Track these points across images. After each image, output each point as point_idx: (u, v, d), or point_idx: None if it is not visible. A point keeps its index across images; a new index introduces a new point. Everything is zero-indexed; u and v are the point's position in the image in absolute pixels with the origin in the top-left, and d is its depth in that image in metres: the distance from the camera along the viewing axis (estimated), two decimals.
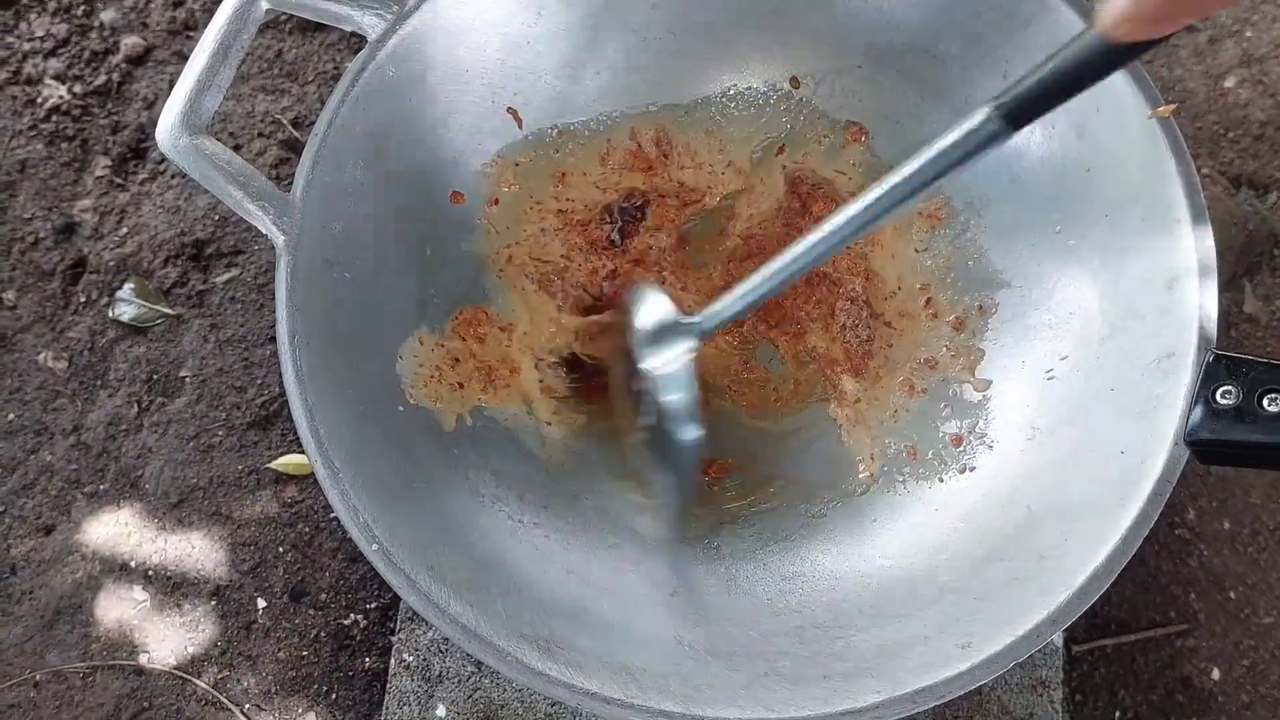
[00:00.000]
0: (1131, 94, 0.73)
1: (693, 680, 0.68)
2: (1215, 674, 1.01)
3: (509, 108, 0.88)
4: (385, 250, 0.81)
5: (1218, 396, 0.66)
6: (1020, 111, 0.60)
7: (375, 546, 0.67)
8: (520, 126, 0.90)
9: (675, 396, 0.74)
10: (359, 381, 0.76)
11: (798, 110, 0.94)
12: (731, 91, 0.94)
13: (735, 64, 0.93)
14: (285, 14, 0.82)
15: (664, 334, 0.74)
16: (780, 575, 0.82)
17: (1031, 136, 0.81)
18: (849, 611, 0.76)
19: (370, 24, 0.78)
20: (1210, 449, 0.66)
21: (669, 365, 0.73)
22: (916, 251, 0.90)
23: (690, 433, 0.74)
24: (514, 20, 0.84)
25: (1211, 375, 0.66)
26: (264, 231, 0.74)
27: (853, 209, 0.66)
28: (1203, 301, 0.68)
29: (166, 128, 0.73)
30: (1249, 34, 1.18)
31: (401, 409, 0.79)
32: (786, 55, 0.87)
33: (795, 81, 0.92)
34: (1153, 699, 1.00)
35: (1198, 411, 0.66)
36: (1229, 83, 1.17)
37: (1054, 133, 0.80)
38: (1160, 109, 0.72)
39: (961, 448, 0.84)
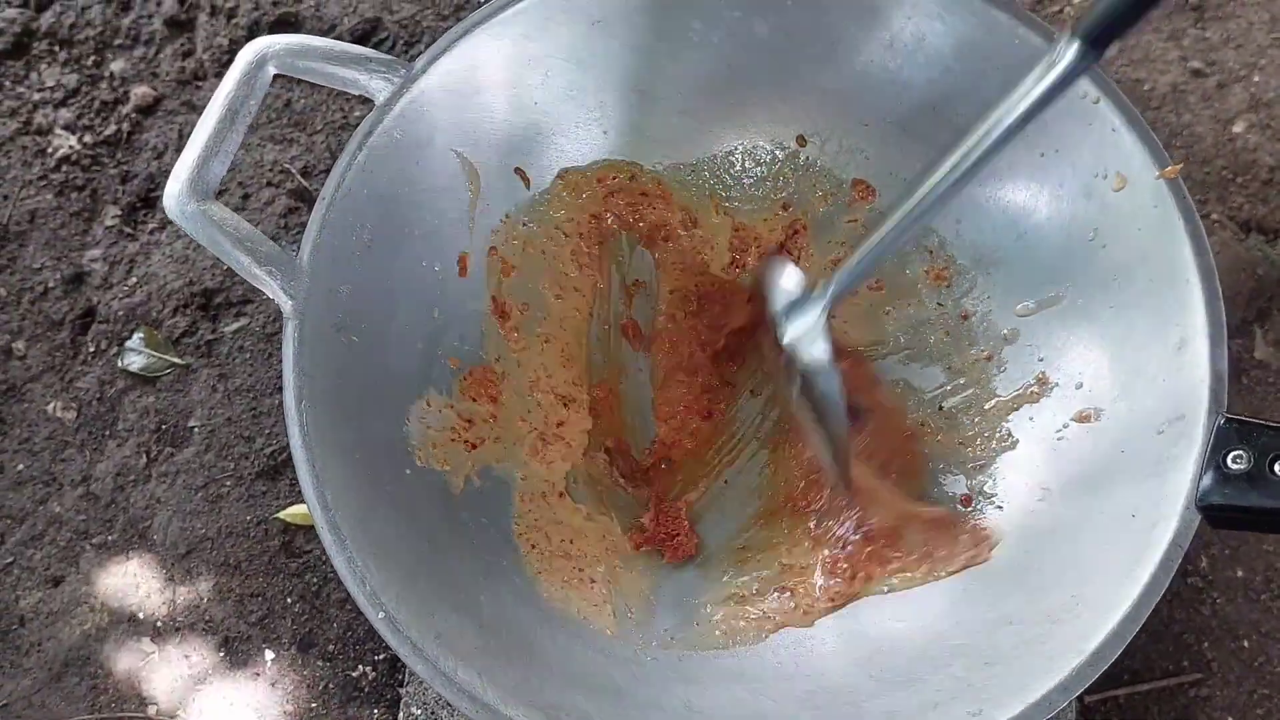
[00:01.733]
0: (1140, 154, 0.73)
1: None
2: None
3: (516, 168, 0.89)
4: (392, 312, 0.81)
5: (1229, 461, 0.65)
6: (1100, 31, 0.62)
7: (381, 615, 0.67)
8: (528, 186, 0.90)
9: (815, 356, 0.78)
10: (366, 445, 0.76)
11: (804, 169, 0.94)
12: (738, 150, 0.94)
13: (741, 123, 0.93)
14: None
15: (796, 308, 0.79)
16: (791, 639, 0.82)
17: (1040, 196, 0.82)
18: (860, 676, 0.76)
19: (377, 88, 0.79)
20: (1222, 514, 0.66)
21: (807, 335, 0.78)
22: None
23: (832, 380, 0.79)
24: (521, 82, 0.85)
25: (1223, 439, 0.66)
26: (271, 297, 0.74)
27: (946, 165, 0.69)
28: (1213, 364, 0.68)
29: (174, 194, 0.74)
30: (1257, 79, 1.18)
31: (409, 472, 0.79)
32: (793, 114, 0.88)
33: (802, 140, 0.93)
34: None
35: (1209, 476, 0.66)
36: (1238, 128, 1.17)
37: (1061, 193, 0.80)
38: (1168, 170, 0.72)
39: (971, 508, 0.84)
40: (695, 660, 0.81)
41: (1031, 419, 0.83)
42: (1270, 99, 1.17)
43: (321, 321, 0.75)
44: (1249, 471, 0.64)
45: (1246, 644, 1.02)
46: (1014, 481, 0.82)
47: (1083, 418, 0.79)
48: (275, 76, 0.77)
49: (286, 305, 0.73)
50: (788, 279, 0.79)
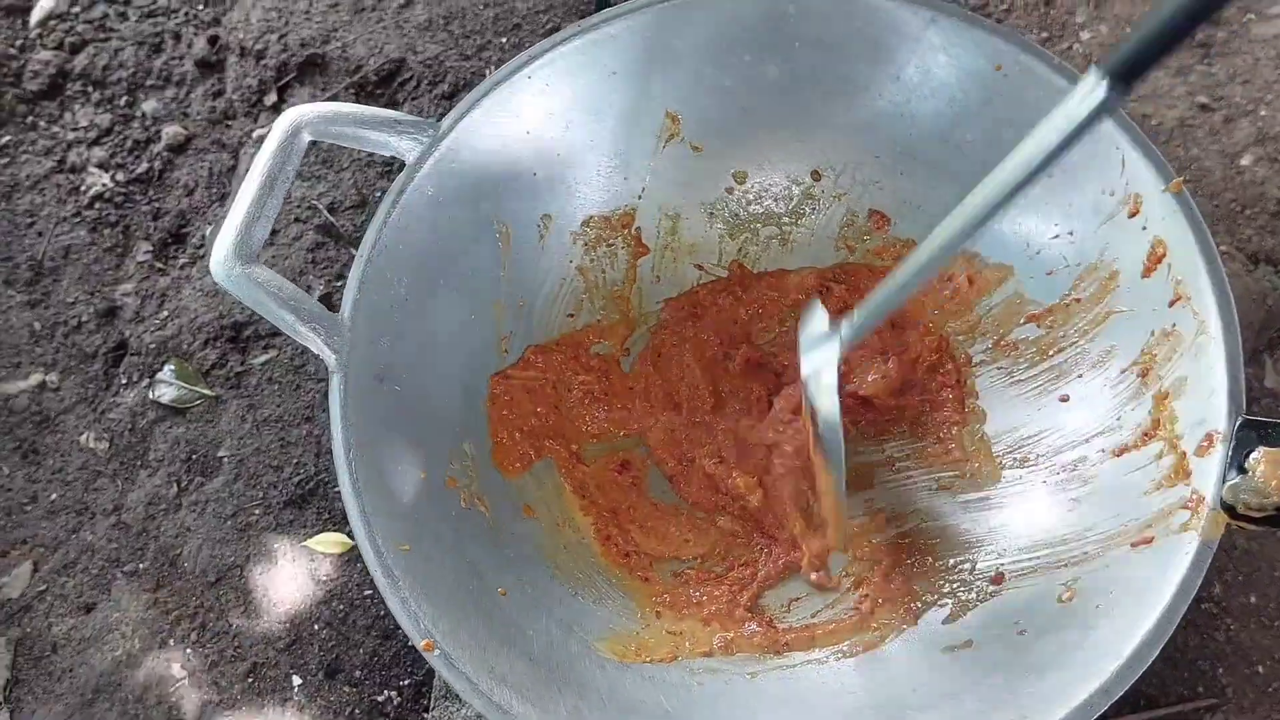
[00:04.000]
0: (1145, 170, 0.76)
1: None
2: None
3: (543, 214, 0.92)
4: (432, 361, 0.85)
5: (1251, 461, 0.67)
6: (1128, 69, 0.62)
7: (437, 652, 0.69)
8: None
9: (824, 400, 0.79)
10: (412, 488, 0.79)
11: (819, 201, 0.97)
12: (755, 189, 0.97)
13: (756, 161, 0.96)
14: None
15: (815, 343, 0.81)
16: (834, 654, 0.84)
17: (1051, 215, 0.84)
18: (903, 691, 0.78)
19: (407, 148, 0.82)
20: (1245, 512, 0.67)
21: (820, 370, 0.79)
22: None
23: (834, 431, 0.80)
24: (544, 135, 0.88)
25: (1243, 441, 0.68)
26: (316, 353, 0.77)
27: (970, 206, 0.68)
28: (1230, 367, 0.70)
29: (220, 259, 0.77)
30: (1264, 112, 1.20)
31: (454, 513, 0.82)
32: (807, 151, 0.91)
33: (816, 174, 0.95)
34: None
35: (1233, 477, 0.67)
36: (1245, 161, 1.19)
37: (1071, 210, 0.83)
38: (1173, 183, 0.74)
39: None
40: (741, 683, 0.82)
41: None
42: (1277, 132, 1.19)
43: (364, 373, 0.78)
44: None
45: (1261, 669, 1.03)
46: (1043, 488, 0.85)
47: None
48: (310, 145, 0.81)
49: (331, 360, 0.76)
50: (815, 320, 0.82)
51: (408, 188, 0.81)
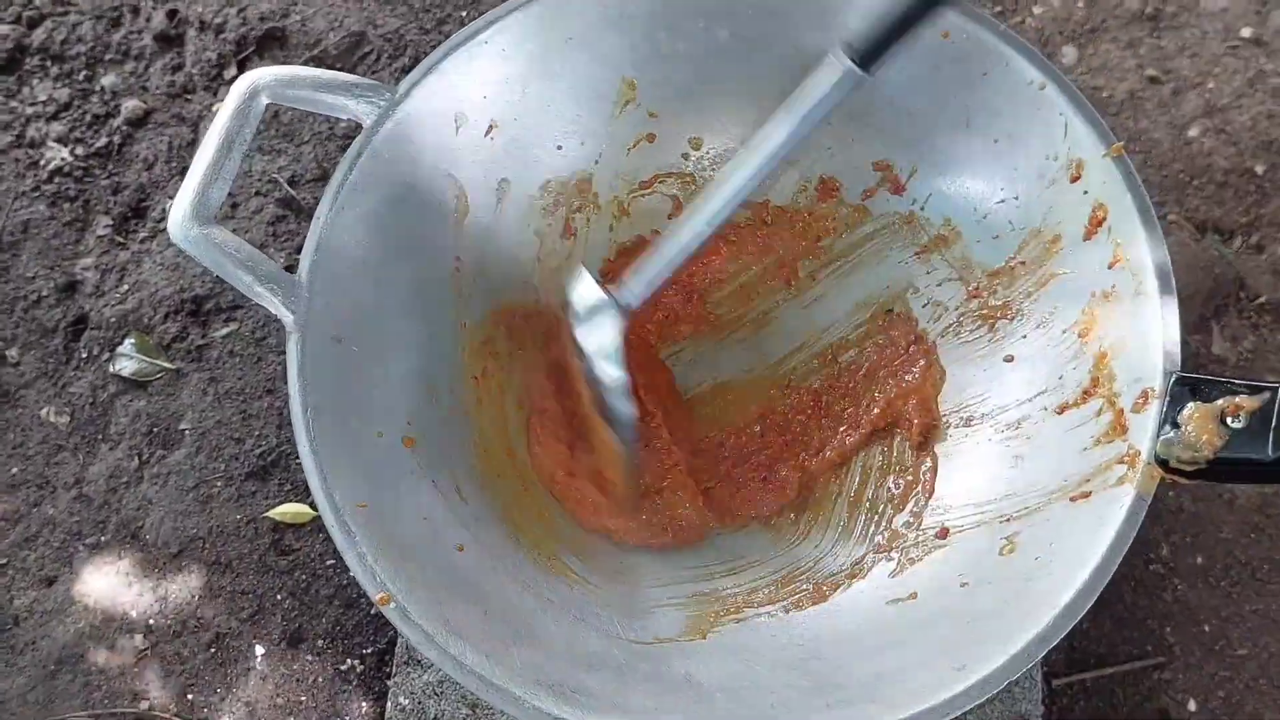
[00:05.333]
0: (1087, 135, 0.78)
1: (701, 717, 0.71)
2: (1191, 705, 1.03)
3: (501, 179, 0.92)
4: (389, 324, 0.85)
5: (1185, 416, 0.69)
6: (870, 53, 0.72)
7: (393, 605, 0.70)
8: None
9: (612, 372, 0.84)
10: (370, 447, 0.80)
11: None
12: (710, 155, 0.98)
13: (711, 127, 0.97)
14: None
15: (593, 313, 0.84)
16: (782, 607, 0.86)
17: (995, 179, 0.86)
18: (848, 643, 0.79)
19: (365, 112, 0.83)
20: (1178, 466, 0.69)
21: (603, 343, 0.84)
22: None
23: (626, 408, 0.85)
24: (501, 100, 0.89)
25: (1177, 398, 0.70)
26: (274, 313, 0.77)
27: (740, 175, 0.78)
28: (1165, 326, 0.72)
29: (178, 220, 0.77)
30: (1211, 85, 1.22)
31: (411, 472, 0.83)
32: (759, 117, 0.92)
33: None
34: None
35: (1168, 432, 0.69)
36: (1193, 132, 1.21)
37: (1016, 175, 0.84)
38: (1114, 147, 0.76)
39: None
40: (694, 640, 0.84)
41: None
42: (1224, 105, 1.21)
43: (322, 334, 0.79)
44: None
45: (1207, 628, 1.06)
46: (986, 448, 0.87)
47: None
48: (267, 107, 0.81)
49: (288, 320, 0.77)
50: (583, 288, 0.85)
51: (364, 151, 0.82)
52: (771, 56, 0.89)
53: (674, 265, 0.82)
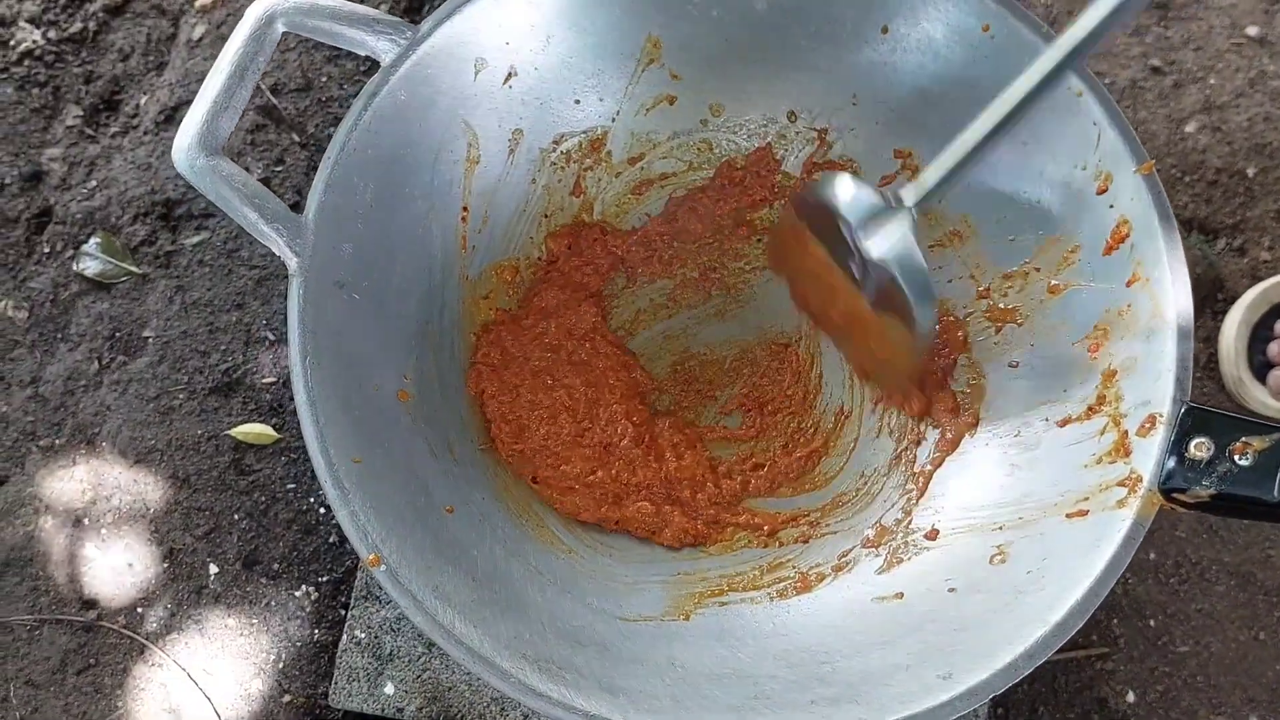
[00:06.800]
0: (1120, 149, 0.77)
1: (683, 701, 0.72)
2: (1130, 697, 1.06)
3: (515, 129, 0.90)
4: (393, 272, 0.83)
5: (1191, 448, 0.69)
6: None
7: (383, 567, 0.69)
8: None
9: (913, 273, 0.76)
10: (366, 400, 0.78)
11: (792, 143, 0.96)
12: (730, 122, 0.96)
13: (734, 95, 0.95)
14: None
15: (878, 220, 0.76)
16: (768, 594, 0.86)
17: (1020, 181, 0.85)
18: (833, 637, 0.80)
19: (384, 49, 0.79)
20: (1182, 498, 0.70)
21: (895, 247, 0.76)
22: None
23: (928, 309, 0.77)
24: (523, 47, 0.86)
25: (1185, 427, 0.70)
26: (277, 254, 0.75)
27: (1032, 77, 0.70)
28: (1181, 355, 0.72)
29: (184, 147, 0.74)
30: (1213, 80, 1.22)
31: (405, 427, 0.81)
32: (786, 90, 0.90)
33: (792, 115, 0.95)
34: (1070, 717, 1.06)
35: (1171, 461, 0.70)
36: (1189, 127, 1.21)
37: (1042, 180, 0.83)
38: (1144, 165, 0.75)
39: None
40: (678, 621, 0.84)
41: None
42: (1223, 102, 1.21)
43: (325, 279, 0.76)
44: (1210, 459, 0.68)
45: (1153, 623, 1.08)
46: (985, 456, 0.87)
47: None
48: (283, 35, 0.78)
49: (292, 263, 0.75)
50: (858, 191, 0.77)
51: (381, 90, 0.79)
52: (805, 31, 0.87)
53: (972, 162, 0.74)
